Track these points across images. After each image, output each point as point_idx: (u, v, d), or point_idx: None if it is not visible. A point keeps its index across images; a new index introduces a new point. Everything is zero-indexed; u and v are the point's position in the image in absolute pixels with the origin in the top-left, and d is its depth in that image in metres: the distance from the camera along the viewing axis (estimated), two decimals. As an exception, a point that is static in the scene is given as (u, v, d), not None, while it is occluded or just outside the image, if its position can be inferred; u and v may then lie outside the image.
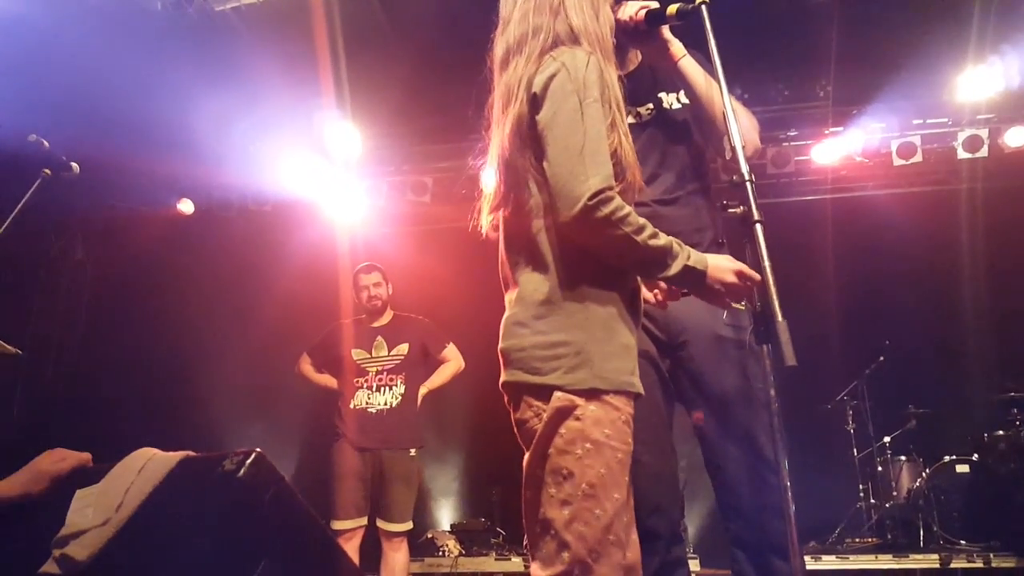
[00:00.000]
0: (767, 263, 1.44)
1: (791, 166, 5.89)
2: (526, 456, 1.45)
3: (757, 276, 1.50)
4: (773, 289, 1.41)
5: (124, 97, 5.23)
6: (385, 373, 4.23)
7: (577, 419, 1.38)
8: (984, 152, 5.72)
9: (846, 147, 5.85)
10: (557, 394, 1.40)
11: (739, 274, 1.50)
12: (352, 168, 6.19)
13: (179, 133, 5.50)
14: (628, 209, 1.41)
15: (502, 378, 1.51)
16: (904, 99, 5.64)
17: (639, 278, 1.58)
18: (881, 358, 5.45)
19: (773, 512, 1.61)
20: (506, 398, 1.52)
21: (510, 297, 1.53)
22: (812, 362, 5.61)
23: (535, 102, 1.47)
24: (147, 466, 1.30)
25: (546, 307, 1.45)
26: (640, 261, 1.47)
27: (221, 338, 5.64)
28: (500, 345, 1.51)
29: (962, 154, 5.73)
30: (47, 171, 2.76)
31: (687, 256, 1.47)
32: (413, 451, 4.18)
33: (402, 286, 4.80)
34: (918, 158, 5.72)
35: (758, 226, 1.46)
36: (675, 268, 1.46)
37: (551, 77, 1.45)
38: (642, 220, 1.43)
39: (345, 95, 5.57)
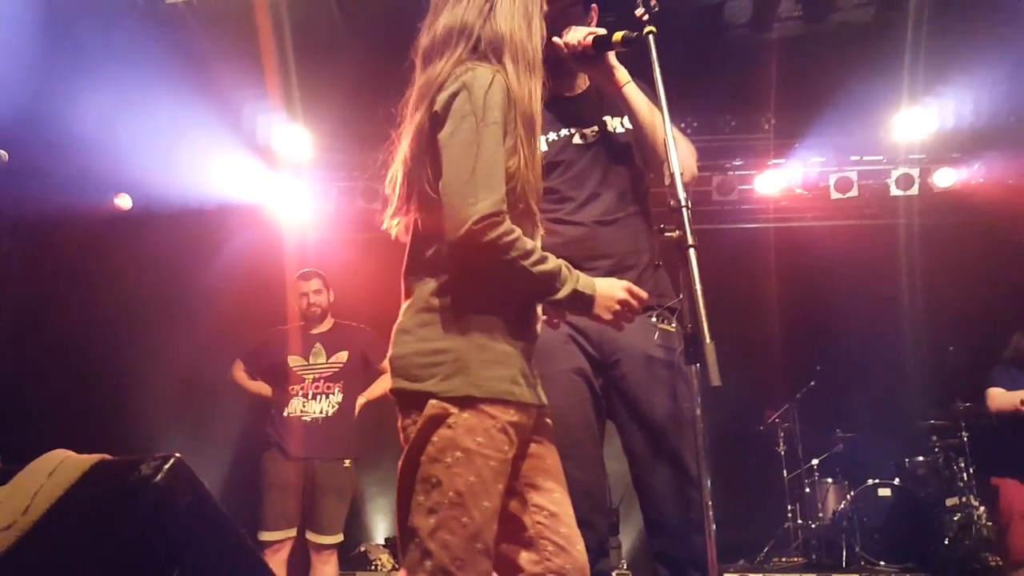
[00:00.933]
0: (698, 286, 1.47)
1: (735, 194, 6.06)
2: (400, 463, 1.45)
3: (644, 294, 1.54)
4: (703, 312, 1.45)
5: (62, 86, 5.07)
6: (322, 381, 4.17)
7: (449, 427, 1.39)
8: (915, 191, 5.99)
9: (787, 179, 6.06)
10: (431, 402, 1.41)
11: (628, 291, 1.53)
12: (302, 172, 6.11)
13: (121, 126, 5.36)
14: (516, 234, 1.42)
15: (389, 385, 1.51)
16: (842, 135, 5.88)
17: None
18: (812, 383, 5.62)
19: (696, 529, 1.65)
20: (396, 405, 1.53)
21: (403, 305, 1.54)
22: (748, 384, 5.79)
23: (436, 120, 1.47)
24: (58, 469, 1.25)
25: (430, 315, 1.47)
26: (526, 285, 1.48)
27: (155, 340, 5.47)
28: (388, 353, 1.52)
29: (895, 191, 5.98)
30: (-27, 158, 2.66)
31: (576, 280, 1.49)
32: (347, 462, 4.12)
33: (349, 293, 4.75)
34: (854, 192, 5.95)
35: (692, 251, 1.50)
36: (563, 292, 1.47)
37: (453, 96, 1.45)
38: (531, 245, 1.44)
39: (295, 98, 5.51)
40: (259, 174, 5.92)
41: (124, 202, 6.05)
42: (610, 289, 1.52)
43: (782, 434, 5.70)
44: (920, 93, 5.57)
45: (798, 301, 6.02)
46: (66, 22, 4.88)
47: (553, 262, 1.47)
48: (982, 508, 4.71)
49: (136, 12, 5.05)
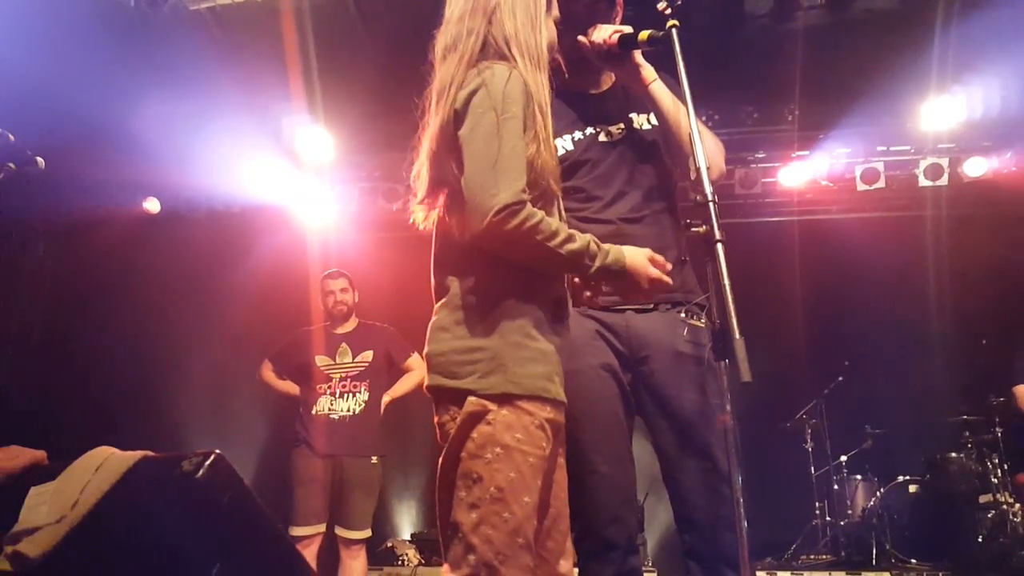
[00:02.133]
0: (727, 281, 1.47)
1: (758, 187, 6.00)
2: (440, 459, 1.47)
3: (664, 261, 1.60)
4: (732, 307, 1.44)
5: (92, 93, 5.15)
6: (349, 380, 4.23)
7: (488, 423, 1.42)
8: (944, 181, 5.89)
9: (812, 171, 5.98)
10: (470, 399, 1.44)
11: (653, 262, 1.59)
12: (324, 173, 6.16)
13: (148, 132, 5.44)
14: (538, 217, 1.45)
15: (425, 382, 1.54)
16: (869, 126, 5.79)
17: (567, 286, 1.64)
18: (840, 378, 5.55)
19: (727, 525, 1.65)
20: (433, 401, 1.55)
21: (439, 302, 1.57)
22: (775, 380, 5.75)
23: (457, 117, 1.51)
24: (104, 465, 1.29)
25: (466, 312, 1.49)
26: (557, 266, 1.53)
27: (185, 340, 5.56)
28: (425, 349, 1.55)
29: (923, 182, 5.89)
30: (11, 165, 2.72)
31: (605, 256, 1.52)
32: (374, 459, 4.19)
33: (371, 293, 4.79)
34: (881, 184, 5.87)
35: (719, 245, 1.50)
36: (594, 267, 1.51)
37: (472, 93, 1.49)
38: (555, 225, 1.47)
39: (318, 100, 5.56)
40: (284, 176, 5.98)
41: (153, 206, 6.15)
42: (642, 267, 1.57)
43: (810, 430, 5.64)
44: (949, 81, 5.47)
45: (825, 295, 5.95)
46: (93, 32, 4.97)
47: (581, 239, 1.50)
48: (1017, 505, 4.61)
49: (161, 18, 5.13)
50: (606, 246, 1.54)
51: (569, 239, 1.48)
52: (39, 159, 2.73)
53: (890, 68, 5.31)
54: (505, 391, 1.43)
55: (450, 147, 1.52)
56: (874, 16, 5.27)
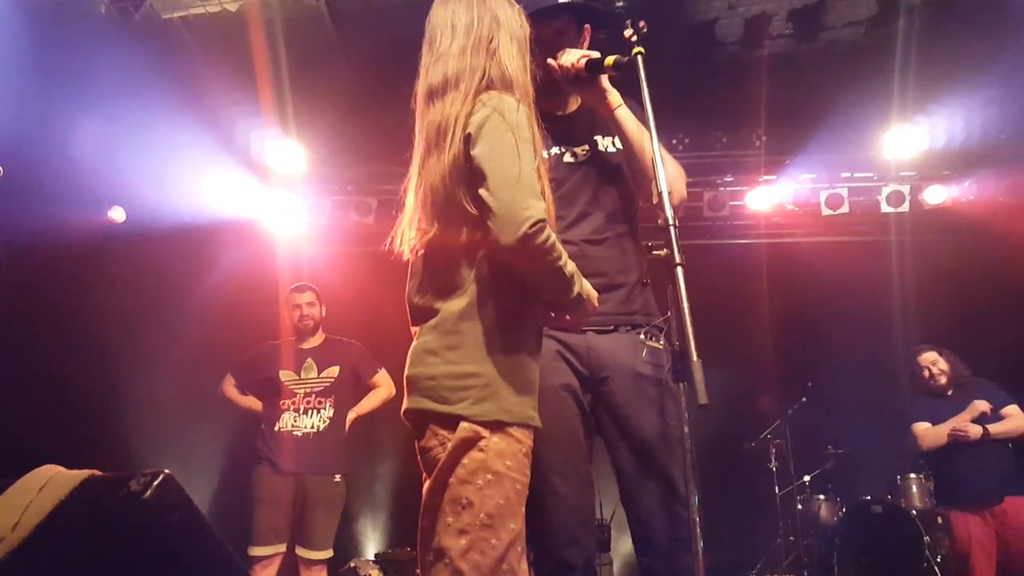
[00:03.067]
0: (686, 304, 1.49)
1: (726, 210, 6.09)
2: (426, 484, 1.47)
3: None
4: (690, 330, 1.46)
5: (57, 101, 5.09)
6: (314, 396, 4.17)
7: (480, 450, 1.43)
8: (906, 207, 6.05)
9: (778, 195, 6.10)
10: (463, 424, 1.44)
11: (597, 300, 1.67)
12: (295, 186, 6.12)
13: (116, 140, 5.37)
14: (555, 237, 1.50)
15: (406, 405, 1.54)
16: (833, 152, 5.94)
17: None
18: (803, 399, 5.62)
19: (684, 547, 1.66)
20: (409, 425, 1.55)
21: (426, 325, 1.57)
22: (741, 399, 5.77)
23: (469, 141, 1.53)
24: (48, 484, 1.26)
25: (459, 337, 1.50)
26: (556, 286, 1.56)
27: (147, 354, 5.45)
28: (407, 372, 1.55)
29: (885, 208, 6.03)
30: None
31: (582, 284, 1.60)
32: (338, 477, 4.13)
33: (339, 308, 4.75)
34: (845, 209, 6.00)
35: (679, 269, 1.52)
36: (575, 292, 1.57)
37: (486, 118, 1.52)
38: (561, 247, 1.53)
39: (289, 112, 5.54)
40: (253, 189, 5.93)
41: (118, 215, 6.05)
42: (593, 299, 1.64)
43: (774, 450, 5.69)
44: (910, 111, 5.63)
45: (790, 317, 6.04)
46: (62, 37, 4.90)
47: (572, 264, 1.56)
48: None
49: (132, 28, 5.08)
50: (581, 276, 1.61)
51: (568, 262, 1.55)
52: (-2, 167, 2.68)
53: (854, 97, 5.45)
54: (498, 418, 1.45)
55: (464, 171, 1.53)
56: (839, 46, 5.42)
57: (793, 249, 6.31)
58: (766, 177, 6.07)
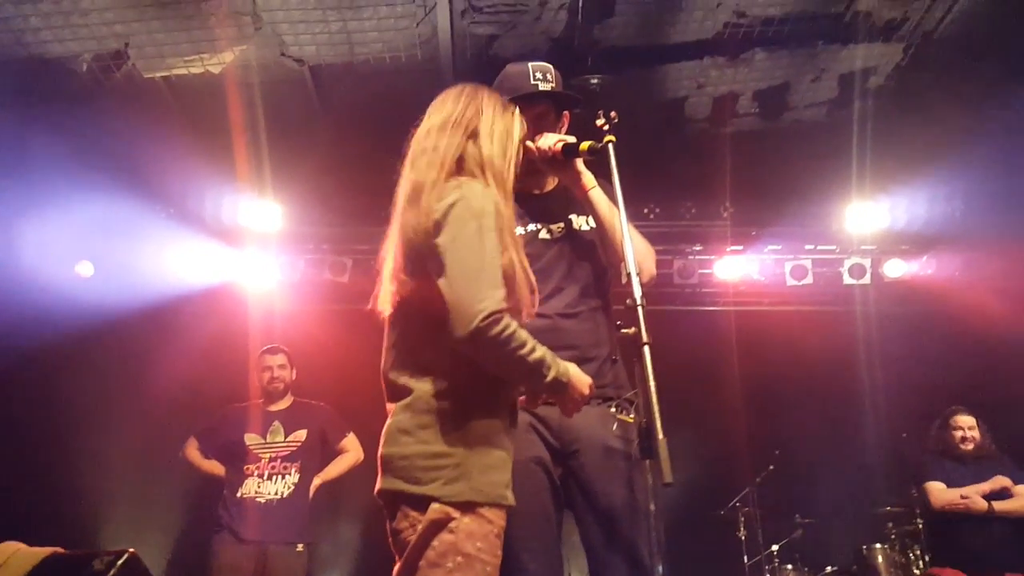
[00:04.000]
0: (652, 383, 1.53)
1: (695, 278, 6.22)
2: (396, 566, 1.46)
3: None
4: (656, 408, 1.50)
5: (35, 159, 5.09)
6: (279, 460, 4.09)
7: (451, 532, 1.42)
8: (867, 279, 6.23)
9: (745, 265, 6.25)
10: (434, 506, 1.44)
11: (590, 387, 1.66)
12: (269, 244, 6.13)
13: (88, 198, 5.35)
14: (514, 327, 1.51)
15: (379, 485, 1.53)
16: (797, 225, 6.14)
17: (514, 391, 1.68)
18: (771, 467, 5.64)
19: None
20: (382, 504, 1.55)
21: (400, 403, 1.58)
22: (710, 467, 5.76)
23: (436, 227, 1.56)
24: (9, 562, 1.23)
25: (431, 416, 1.51)
26: (522, 374, 1.57)
27: (113, 418, 5.32)
28: (381, 451, 1.55)
29: (848, 279, 6.21)
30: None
31: (557, 368, 1.59)
32: (300, 546, 4.02)
33: (312, 367, 4.71)
34: (809, 280, 6.16)
35: (646, 348, 1.57)
36: (548, 378, 1.57)
37: (451, 205, 1.56)
38: (524, 336, 1.54)
39: (266, 171, 5.59)
40: (225, 255, 5.91)
41: (85, 270, 5.99)
42: (580, 383, 1.64)
43: (743, 518, 5.67)
44: (870, 189, 5.86)
45: (758, 383, 6.10)
46: (41, 90, 4.93)
47: (540, 350, 1.57)
48: None
49: (113, 85, 5.13)
50: (559, 360, 1.61)
51: (534, 349, 1.55)
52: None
53: (817, 173, 5.68)
54: (469, 499, 1.45)
55: (427, 252, 1.57)
56: (802, 126, 5.69)
57: (760, 317, 6.42)
58: (733, 247, 6.22)
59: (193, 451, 4.25)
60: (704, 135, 5.66)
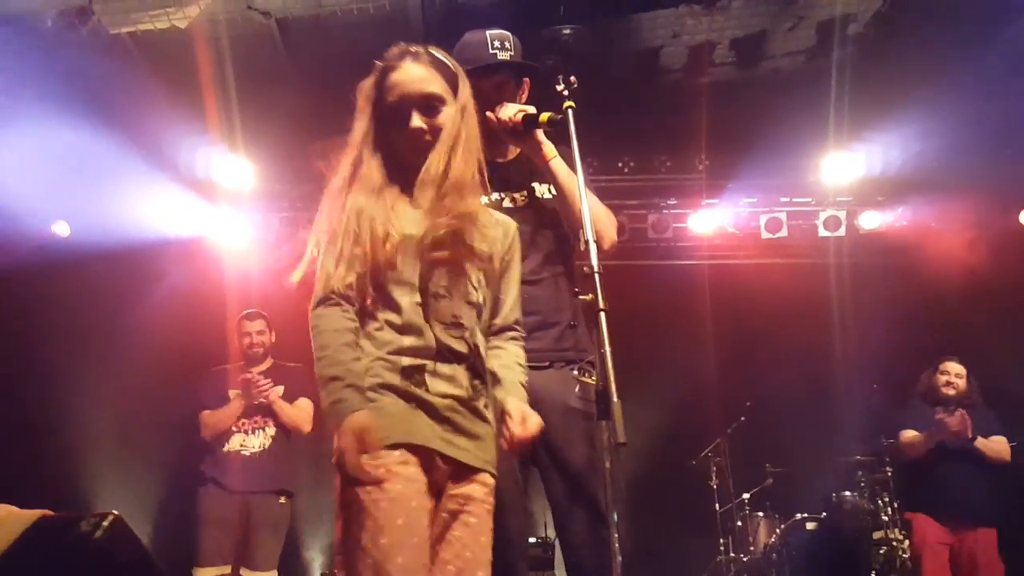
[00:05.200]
0: (608, 348, 1.57)
1: (670, 232, 6.26)
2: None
3: (367, 471, 1.44)
4: (611, 372, 1.54)
5: (5, 109, 4.99)
6: (260, 416, 4.18)
7: None
8: (842, 232, 6.28)
9: (719, 219, 6.27)
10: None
11: (358, 441, 1.43)
12: (243, 203, 6.08)
13: (61, 155, 5.27)
14: (322, 321, 1.52)
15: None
16: (772, 177, 6.14)
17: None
18: (742, 418, 5.75)
19: (611, 573, 1.73)
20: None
21: None
22: (682, 417, 5.84)
23: None
24: (1, 523, 1.27)
25: None
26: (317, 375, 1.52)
27: (92, 374, 5.34)
28: None
29: (823, 232, 6.26)
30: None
31: (336, 400, 1.46)
32: (283, 498, 4.15)
33: (289, 327, 4.72)
34: (784, 233, 6.21)
35: (602, 314, 1.60)
36: (326, 400, 1.49)
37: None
38: (330, 340, 1.49)
39: (237, 129, 5.51)
40: (199, 206, 5.87)
41: (62, 230, 5.92)
42: (349, 441, 1.44)
43: (715, 468, 5.80)
44: (846, 139, 5.86)
45: (731, 337, 6.19)
46: (8, 51, 4.81)
47: (336, 370, 1.47)
48: (906, 542, 4.81)
49: (78, 40, 5.01)
50: (350, 398, 1.45)
51: (330, 362, 1.48)
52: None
53: (794, 124, 5.65)
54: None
55: None
56: (780, 75, 5.64)
57: (734, 271, 6.49)
58: (708, 201, 6.25)
59: (211, 417, 4.19)
60: (679, 86, 5.61)
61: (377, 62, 1.68)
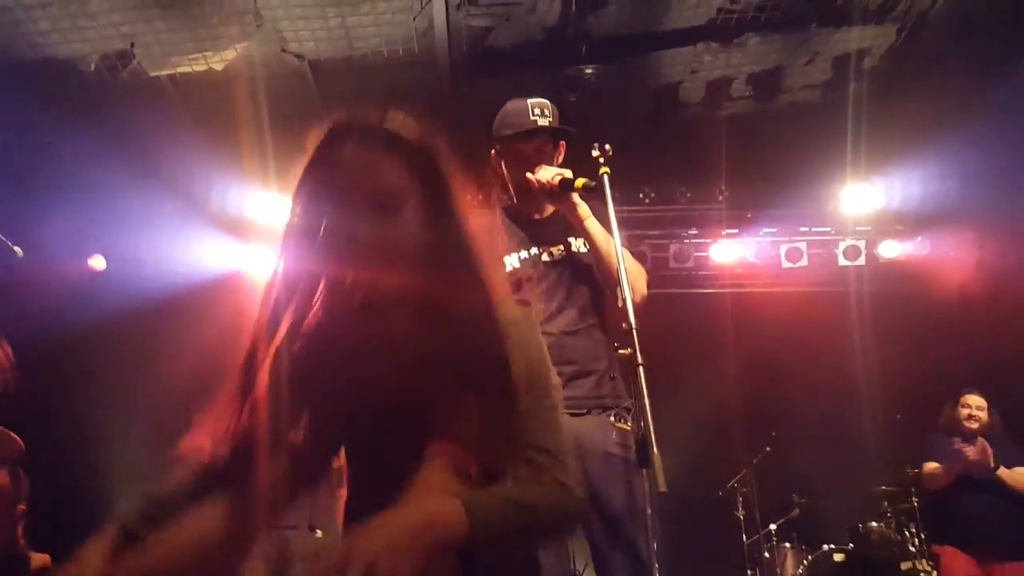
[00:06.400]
0: (647, 401, 1.66)
1: (691, 262, 6.31)
2: None
3: None
4: (651, 425, 1.63)
5: (45, 154, 5.18)
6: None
7: None
8: (862, 261, 6.32)
9: (740, 248, 6.34)
10: None
11: None
12: (277, 237, 6.19)
13: (99, 193, 5.45)
14: None
15: None
16: (792, 207, 6.21)
17: None
18: (768, 448, 5.75)
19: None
20: None
21: None
22: (708, 448, 5.82)
23: None
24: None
25: None
26: None
27: (127, 411, 5.44)
28: None
29: (842, 261, 6.31)
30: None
31: None
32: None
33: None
34: (804, 262, 6.26)
35: (640, 369, 1.70)
36: None
37: None
38: None
39: (270, 166, 5.67)
40: (233, 246, 6.02)
41: (98, 263, 6.09)
42: None
43: (741, 499, 5.77)
44: (864, 171, 5.93)
45: (754, 365, 6.18)
46: (53, 87, 4.99)
47: None
48: (934, 572, 4.77)
49: (119, 83, 5.19)
50: None
51: None
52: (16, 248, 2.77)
53: (812, 155, 5.74)
54: None
55: None
56: (796, 108, 5.72)
57: (756, 299, 6.51)
58: (728, 231, 6.31)
59: None
60: (698, 119, 5.71)
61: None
